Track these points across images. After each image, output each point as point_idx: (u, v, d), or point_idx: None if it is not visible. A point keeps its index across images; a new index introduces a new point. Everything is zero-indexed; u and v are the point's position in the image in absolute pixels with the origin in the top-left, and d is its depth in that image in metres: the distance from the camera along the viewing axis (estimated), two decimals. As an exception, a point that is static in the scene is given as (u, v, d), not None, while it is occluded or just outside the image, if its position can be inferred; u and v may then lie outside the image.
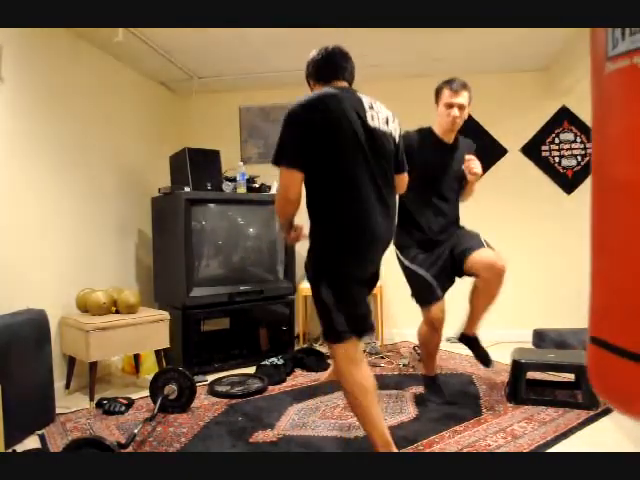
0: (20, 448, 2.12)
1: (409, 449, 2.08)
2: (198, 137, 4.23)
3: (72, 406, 2.66)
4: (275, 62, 3.73)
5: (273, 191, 3.73)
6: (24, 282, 2.58)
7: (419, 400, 2.64)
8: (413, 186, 2.15)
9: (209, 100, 4.35)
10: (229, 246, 3.54)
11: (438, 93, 2.50)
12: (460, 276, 2.55)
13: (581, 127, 3.93)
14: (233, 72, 3.94)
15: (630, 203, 1.03)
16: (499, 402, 2.59)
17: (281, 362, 3.23)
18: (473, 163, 2.51)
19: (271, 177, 3.89)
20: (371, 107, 1.80)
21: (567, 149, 3.98)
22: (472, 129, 4.06)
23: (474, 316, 2.55)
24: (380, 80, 3.71)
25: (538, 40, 3.32)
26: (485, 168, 4.06)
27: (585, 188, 3.90)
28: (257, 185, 3.70)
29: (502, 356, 3.28)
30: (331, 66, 1.86)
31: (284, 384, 3.01)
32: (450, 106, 2.44)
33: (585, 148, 3.94)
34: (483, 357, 2.63)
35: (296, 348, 3.72)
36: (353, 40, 3.26)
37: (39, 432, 2.25)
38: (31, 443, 2.19)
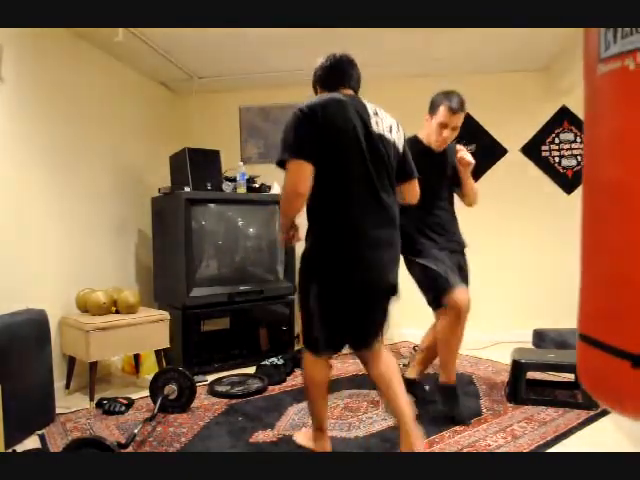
0: (20, 448, 2.12)
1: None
2: (198, 137, 4.23)
3: (72, 406, 2.66)
4: (275, 62, 3.73)
5: (273, 191, 3.73)
6: (24, 282, 2.58)
7: (419, 400, 2.63)
8: None
9: (209, 100, 4.35)
10: (229, 246, 3.54)
11: (435, 106, 2.40)
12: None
13: (581, 127, 3.92)
14: (233, 72, 3.94)
15: (618, 203, 1.04)
16: (499, 402, 2.60)
17: (281, 362, 3.23)
18: (463, 152, 2.48)
19: (271, 177, 3.89)
20: (375, 114, 1.82)
21: (567, 149, 3.99)
22: (472, 129, 4.08)
23: (447, 360, 2.40)
24: (380, 80, 3.71)
25: (538, 40, 3.32)
26: (485, 168, 4.10)
27: (585, 188, 3.90)
28: (257, 185, 3.70)
29: (502, 356, 3.28)
30: (338, 73, 1.87)
31: (284, 384, 3.01)
32: (445, 126, 2.37)
33: (585, 148, 3.95)
34: (460, 413, 2.37)
35: (296, 348, 3.71)
36: (353, 40, 3.28)
37: (39, 432, 2.25)
38: (31, 443, 2.19)
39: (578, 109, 3.92)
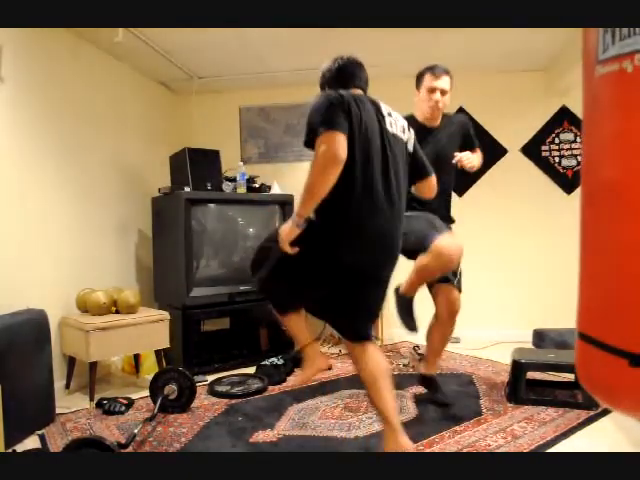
0: (20, 448, 2.12)
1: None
2: (198, 137, 4.23)
3: (72, 406, 2.66)
4: (275, 62, 3.73)
5: (273, 191, 3.73)
6: (24, 282, 2.58)
7: (419, 400, 2.63)
8: None
9: (209, 100, 4.35)
10: (229, 246, 3.54)
11: (419, 78, 2.48)
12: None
13: (581, 127, 3.93)
14: (233, 72, 3.94)
15: (616, 203, 1.05)
16: (499, 402, 2.59)
17: (281, 362, 3.23)
18: (465, 161, 2.45)
19: (271, 177, 3.90)
20: (389, 114, 1.85)
21: (567, 149, 3.99)
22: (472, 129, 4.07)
23: (434, 351, 2.58)
24: (380, 80, 3.70)
25: (538, 40, 3.32)
26: (485, 168, 4.09)
27: (585, 188, 3.90)
28: (257, 185, 3.70)
29: (502, 356, 3.28)
30: (348, 74, 1.88)
31: (284, 384, 3.01)
32: (432, 90, 2.41)
33: (585, 148, 3.94)
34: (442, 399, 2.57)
35: (296, 348, 3.71)
36: (353, 40, 3.28)
37: (39, 432, 2.25)
38: (31, 443, 2.19)
39: (578, 109, 3.91)
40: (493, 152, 4.07)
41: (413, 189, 2.05)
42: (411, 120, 2.42)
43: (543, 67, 3.91)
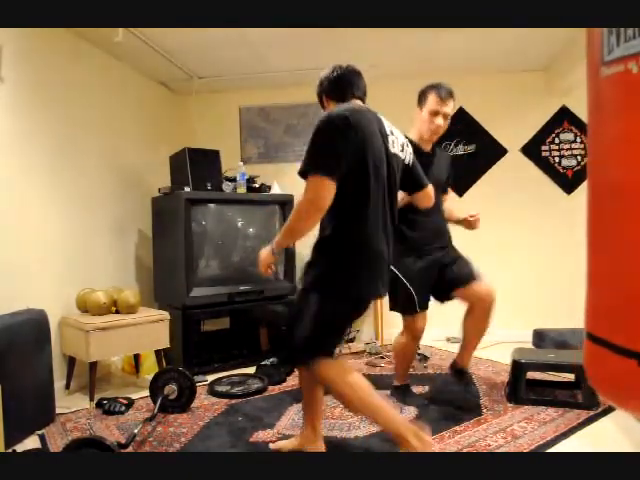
0: (20, 448, 2.11)
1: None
2: (198, 137, 4.23)
3: (72, 406, 2.66)
4: (275, 62, 3.73)
5: (273, 191, 3.73)
6: (24, 282, 2.58)
7: (419, 400, 2.63)
8: None
9: (209, 100, 4.35)
10: (229, 246, 3.54)
11: (423, 97, 2.42)
12: (442, 300, 2.55)
13: (581, 127, 3.93)
14: (233, 72, 3.94)
15: (623, 204, 1.05)
16: (499, 402, 2.59)
17: (281, 362, 3.23)
18: (478, 222, 2.54)
19: (271, 177, 3.90)
20: (391, 133, 1.85)
21: (567, 149, 3.99)
22: (472, 129, 4.08)
23: (469, 345, 2.56)
24: (380, 80, 3.71)
25: (538, 40, 3.32)
26: (485, 168, 4.10)
27: (585, 188, 3.89)
28: (257, 185, 3.70)
29: (502, 356, 3.28)
30: (346, 83, 1.87)
31: (284, 384, 3.01)
32: (436, 114, 2.37)
33: (585, 148, 3.94)
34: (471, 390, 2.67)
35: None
36: (352, 40, 3.28)
37: (39, 432, 2.25)
38: (31, 443, 2.19)
39: (578, 109, 3.92)
40: (493, 152, 4.07)
41: (411, 199, 2.10)
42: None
43: (543, 67, 3.91)
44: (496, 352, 3.56)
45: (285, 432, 2.28)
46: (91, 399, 2.68)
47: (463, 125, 4.06)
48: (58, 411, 2.51)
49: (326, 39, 3.22)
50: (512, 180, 4.01)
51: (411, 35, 3.18)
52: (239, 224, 3.62)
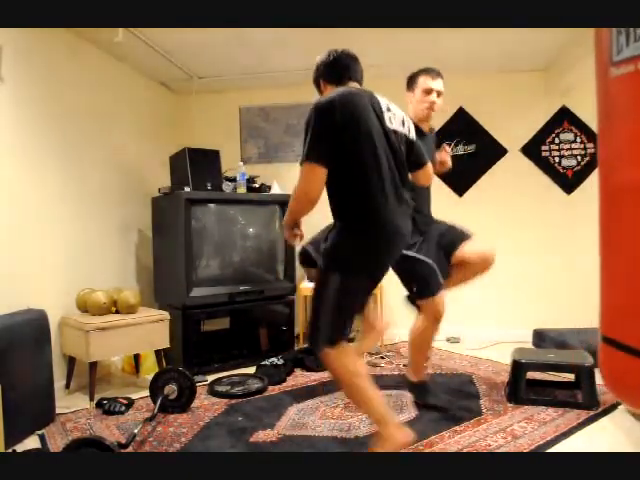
0: (20, 448, 2.11)
1: (409, 449, 2.08)
2: (198, 137, 4.23)
3: (72, 406, 2.66)
4: (275, 62, 3.73)
5: (273, 191, 3.73)
6: (24, 282, 2.58)
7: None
8: None
9: (209, 100, 4.35)
10: (229, 246, 3.54)
11: (413, 80, 2.49)
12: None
13: (581, 127, 3.93)
14: (233, 72, 3.94)
15: (635, 204, 1.03)
16: (499, 402, 2.59)
17: (281, 362, 3.22)
18: (447, 155, 2.56)
19: (271, 177, 3.90)
20: (388, 109, 1.85)
21: (567, 149, 3.98)
22: (472, 129, 4.08)
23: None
24: (380, 80, 3.71)
25: (538, 40, 3.32)
26: (485, 168, 4.10)
27: (585, 188, 3.90)
28: (257, 185, 3.70)
29: (502, 356, 3.28)
30: (343, 66, 1.89)
31: (284, 384, 3.01)
32: (429, 91, 2.43)
33: (585, 148, 3.94)
34: None
35: (296, 348, 3.71)
36: (353, 40, 3.27)
37: (39, 432, 2.24)
38: (31, 443, 2.18)
39: (578, 109, 3.92)
40: (493, 152, 4.07)
41: (410, 178, 2.08)
42: None
43: (543, 67, 3.91)
44: (496, 352, 3.56)
45: (285, 432, 2.28)
46: (91, 399, 2.68)
47: (463, 125, 4.06)
48: (58, 411, 2.51)
49: (326, 39, 3.21)
50: (512, 180, 4.01)
51: (411, 35, 3.18)
52: (239, 224, 3.62)
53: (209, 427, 2.36)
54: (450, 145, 2.65)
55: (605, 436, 2.17)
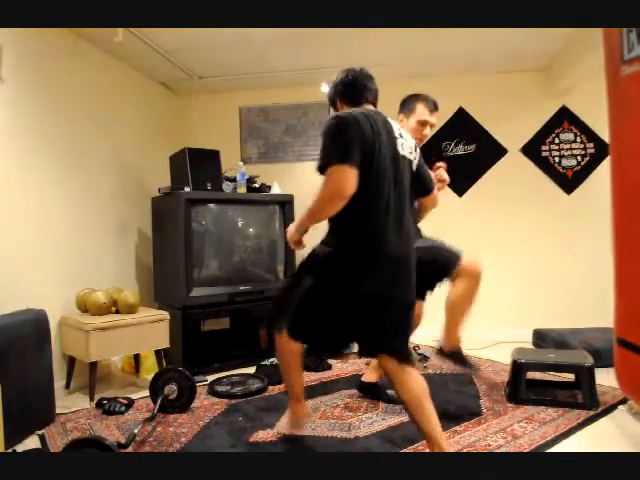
0: (20, 448, 2.12)
1: (409, 449, 2.09)
2: (198, 137, 4.23)
3: (72, 406, 2.66)
4: (275, 62, 3.73)
5: (273, 191, 3.73)
6: (24, 282, 2.58)
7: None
8: None
9: (209, 100, 4.35)
10: (229, 246, 3.54)
11: (410, 106, 2.46)
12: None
13: (581, 127, 3.93)
14: (233, 72, 3.94)
15: None
16: (499, 402, 2.59)
17: (281, 362, 3.22)
18: (442, 171, 2.52)
19: (271, 177, 3.90)
20: (400, 135, 1.85)
21: (567, 149, 3.98)
22: (472, 129, 4.08)
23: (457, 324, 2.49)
24: (380, 80, 3.71)
25: (538, 40, 3.32)
26: (485, 168, 4.10)
27: (585, 188, 3.90)
28: (257, 185, 3.70)
29: (502, 356, 3.28)
30: (360, 88, 1.90)
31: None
32: (424, 124, 2.43)
33: (585, 148, 3.94)
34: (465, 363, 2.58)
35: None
36: (352, 40, 3.28)
37: (39, 432, 2.24)
38: (31, 443, 2.18)
39: (578, 109, 3.92)
40: (493, 152, 4.07)
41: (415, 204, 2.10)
42: None
43: (543, 67, 3.91)
44: (496, 352, 3.56)
45: (285, 432, 2.28)
46: (91, 399, 2.68)
47: (463, 125, 4.06)
48: (58, 411, 2.51)
49: (326, 39, 3.22)
50: (512, 180, 4.01)
51: (411, 35, 3.18)
52: (239, 224, 3.62)
53: (209, 427, 2.36)
54: (444, 162, 2.60)
55: (605, 436, 2.17)
